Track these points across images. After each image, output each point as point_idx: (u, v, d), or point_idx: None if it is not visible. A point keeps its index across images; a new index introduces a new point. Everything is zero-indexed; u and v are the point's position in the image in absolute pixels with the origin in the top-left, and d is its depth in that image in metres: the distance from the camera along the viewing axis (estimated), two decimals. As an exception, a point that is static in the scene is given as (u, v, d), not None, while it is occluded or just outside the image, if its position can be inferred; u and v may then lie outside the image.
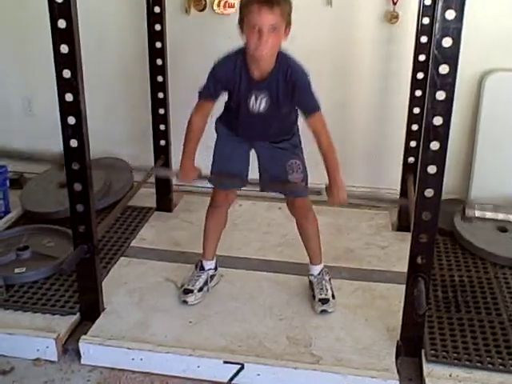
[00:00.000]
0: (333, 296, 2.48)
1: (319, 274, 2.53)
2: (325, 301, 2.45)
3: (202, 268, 2.55)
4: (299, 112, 2.29)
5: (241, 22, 2.11)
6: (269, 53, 2.10)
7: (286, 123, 2.33)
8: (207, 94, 2.25)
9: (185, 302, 2.48)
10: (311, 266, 2.56)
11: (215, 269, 2.59)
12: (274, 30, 2.04)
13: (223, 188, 2.47)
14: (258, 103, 2.21)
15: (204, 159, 2.38)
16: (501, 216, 2.10)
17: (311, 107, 2.21)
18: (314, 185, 2.38)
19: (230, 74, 2.19)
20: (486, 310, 2.41)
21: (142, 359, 2.20)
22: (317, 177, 2.34)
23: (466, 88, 3.16)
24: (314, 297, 2.48)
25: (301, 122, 2.35)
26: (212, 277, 2.57)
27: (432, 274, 2.25)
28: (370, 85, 3.30)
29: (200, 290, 2.51)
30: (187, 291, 2.50)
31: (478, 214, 2.07)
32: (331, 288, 2.50)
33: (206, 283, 2.53)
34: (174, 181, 3.21)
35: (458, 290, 2.55)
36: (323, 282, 2.50)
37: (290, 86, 2.17)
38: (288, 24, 2.09)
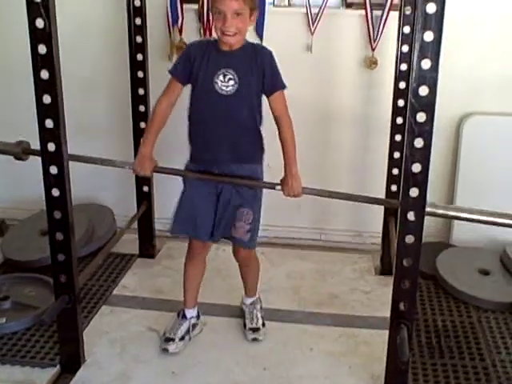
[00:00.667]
0: (263, 324, 2.59)
1: (251, 304, 2.65)
2: (255, 329, 2.57)
3: (184, 316, 2.53)
4: (264, 95, 2.30)
5: (211, 9, 2.26)
6: (235, 38, 2.20)
7: (251, 122, 2.32)
8: (176, 71, 2.31)
9: (165, 350, 2.45)
10: (245, 298, 2.68)
11: (197, 317, 2.57)
12: (239, 16, 2.16)
13: (193, 236, 2.46)
14: (226, 82, 2.24)
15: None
16: (463, 215, 2.16)
17: (278, 84, 2.28)
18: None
19: (201, 49, 2.29)
20: (470, 356, 2.41)
21: (123, 412, 2.17)
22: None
23: (445, 131, 3.21)
24: (244, 325, 2.60)
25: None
26: (194, 325, 2.55)
27: (415, 319, 2.25)
28: (351, 129, 3.33)
29: (181, 338, 2.48)
30: (168, 339, 2.47)
31: (440, 211, 2.12)
32: (262, 317, 2.62)
33: (187, 332, 2.51)
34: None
35: (441, 335, 2.54)
36: (254, 311, 2.62)
37: (258, 60, 2.25)
38: (252, 10, 2.21)
